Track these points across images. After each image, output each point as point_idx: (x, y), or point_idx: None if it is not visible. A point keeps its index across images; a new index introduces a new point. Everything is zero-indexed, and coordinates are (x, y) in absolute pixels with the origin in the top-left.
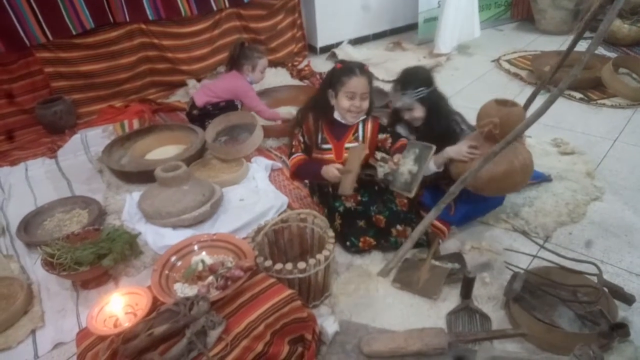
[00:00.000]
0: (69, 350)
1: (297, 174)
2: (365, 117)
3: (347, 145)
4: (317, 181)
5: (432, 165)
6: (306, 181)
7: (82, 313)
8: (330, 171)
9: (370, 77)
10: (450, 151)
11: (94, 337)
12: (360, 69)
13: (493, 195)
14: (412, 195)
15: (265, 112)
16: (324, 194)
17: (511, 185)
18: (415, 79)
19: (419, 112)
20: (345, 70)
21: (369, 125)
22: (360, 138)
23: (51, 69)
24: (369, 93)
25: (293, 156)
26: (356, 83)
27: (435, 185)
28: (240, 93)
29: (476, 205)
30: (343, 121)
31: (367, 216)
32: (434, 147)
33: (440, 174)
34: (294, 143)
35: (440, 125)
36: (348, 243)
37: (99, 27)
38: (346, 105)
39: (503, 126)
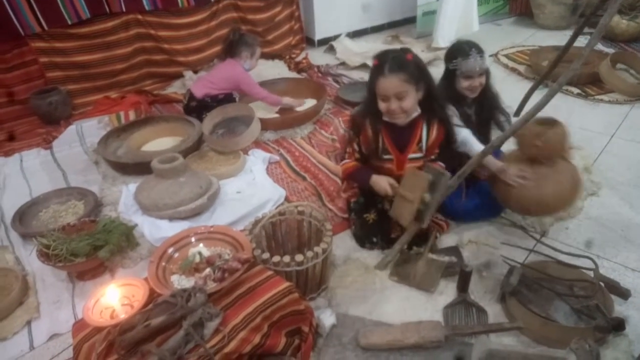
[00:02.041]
0: (65, 342)
1: (347, 179)
2: (429, 117)
3: (410, 156)
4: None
5: (473, 152)
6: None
7: (77, 304)
8: (381, 185)
9: (411, 67)
10: (495, 167)
11: (90, 328)
12: (392, 64)
13: (542, 216)
14: (424, 226)
15: (268, 97)
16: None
17: (562, 205)
18: (481, 47)
19: (484, 79)
20: (376, 68)
21: (434, 131)
22: (424, 148)
23: (46, 59)
24: (411, 88)
25: (344, 162)
26: (384, 84)
27: (452, 171)
28: (239, 80)
29: (483, 201)
30: (392, 122)
31: (388, 221)
32: (449, 175)
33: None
34: (348, 150)
35: (492, 99)
36: (374, 239)
37: (94, 17)
38: (383, 108)
39: (547, 147)
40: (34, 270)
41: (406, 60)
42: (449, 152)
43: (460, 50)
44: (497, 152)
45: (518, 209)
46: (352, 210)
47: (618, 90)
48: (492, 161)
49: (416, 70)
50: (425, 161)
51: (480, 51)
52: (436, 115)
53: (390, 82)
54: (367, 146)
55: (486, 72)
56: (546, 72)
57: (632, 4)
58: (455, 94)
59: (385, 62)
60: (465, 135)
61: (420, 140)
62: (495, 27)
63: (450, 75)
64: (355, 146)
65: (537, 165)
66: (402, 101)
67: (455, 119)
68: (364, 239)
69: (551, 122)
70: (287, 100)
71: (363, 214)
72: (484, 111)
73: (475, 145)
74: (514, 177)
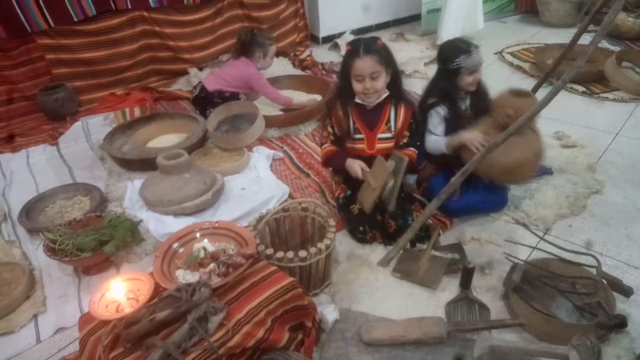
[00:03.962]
0: (71, 335)
1: (327, 164)
2: (396, 100)
3: (380, 135)
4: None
5: (442, 146)
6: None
7: (83, 298)
8: (353, 168)
9: (382, 51)
10: (465, 136)
11: (96, 322)
12: (365, 47)
13: (503, 184)
14: (392, 208)
15: (279, 98)
16: (351, 177)
17: (524, 173)
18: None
19: (480, 74)
20: (351, 52)
21: (402, 112)
22: (392, 128)
23: (52, 55)
24: (383, 70)
25: (322, 147)
26: (360, 65)
27: (449, 169)
28: (252, 80)
29: (481, 198)
30: (364, 103)
31: (382, 214)
32: (407, 159)
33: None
34: (324, 134)
35: (484, 87)
36: (361, 228)
37: (100, 14)
38: (358, 88)
39: (518, 116)
40: (40, 264)
41: (377, 44)
42: (418, 138)
43: (459, 49)
44: None
45: (485, 174)
46: (340, 209)
47: (623, 88)
48: (454, 138)
49: (386, 54)
50: (396, 145)
51: (476, 45)
52: (402, 97)
53: (366, 63)
54: (339, 126)
55: None
56: (550, 69)
57: (638, 1)
58: (453, 92)
59: (359, 46)
60: (433, 140)
61: (388, 120)
62: (500, 25)
63: (450, 74)
64: (329, 129)
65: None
66: (375, 81)
67: (435, 122)
68: (353, 231)
69: (524, 93)
70: (297, 100)
71: (349, 206)
72: (480, 100)
73: (444, 140)
74: (476, 143)
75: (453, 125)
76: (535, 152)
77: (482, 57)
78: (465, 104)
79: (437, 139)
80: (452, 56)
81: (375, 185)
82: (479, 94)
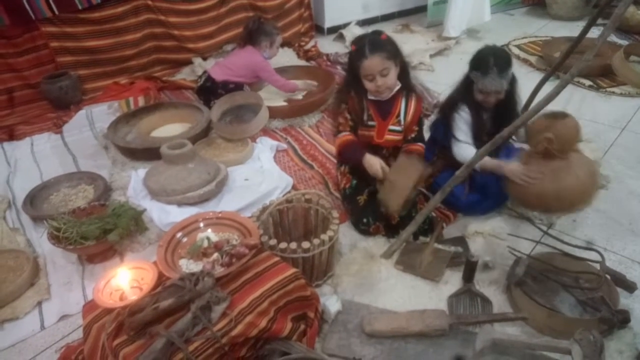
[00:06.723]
0: (75, 322)
1: (341, 154)
2: (407, 92)
3: (390, 127)
4: (358, 166)
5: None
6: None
7: (87, 286)
8: (374, 166)
9: (388, 45)
10: (506, 169)
11: (100, 309)
12: (371, 45)
13: (563, 213)
14: (402, 214)
15: (286, 85)
16: (359, 168)
17: (581, 198)
18: (508, 61)
19: (501, 95)
20: (357, 53)
21: (412, 105)
22: (402, 121)
23: (57, 43)
24: (392, 64)
25: (340, 135)
26: (368, 65)
27: (454, 167)
28: (259, 68)
29: (486, 195)
30: (378, 98)
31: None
32: (429, 171)
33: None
34: (340, 121)
35: (513, 111)
36: (365, 220)
37: (105, 2)
38: (371, 87)
39: (559, 140)
40: (44, 252)
41: (382, 39)
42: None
43: (483, 64)
44: (513, 151)
45: (539, 207)
46: (345, 199)
47: (630, 83)
48: (494, 163)
49: (392, 48)
50: (404, 138)
51: (502, 69)
52: (412, 88)
53: (374, 62)
54: (355, 113)
55: (512, 82)
56: (557, 63)
57: None
58: (474, 98)
59: (364, 45)
60: (465, 154)
61: (399, 114)
62: (507, 17)
63: (468, 80)
64: (347, 114)
65: (551, 160)
66: (386, 77)
67: (462, 127)
68: (357, 222)
69: (561, 115)
70: (301, 85)
71: (356, 197)
72: (503, 118)
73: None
74: (520, 176)
75: (473, 131)
76: (588, 174)
77: (500, 85)
78: (488, 113)
79: (470, 156)
80: (475, 65)
81: (403, 185)
82: (505, 113)
